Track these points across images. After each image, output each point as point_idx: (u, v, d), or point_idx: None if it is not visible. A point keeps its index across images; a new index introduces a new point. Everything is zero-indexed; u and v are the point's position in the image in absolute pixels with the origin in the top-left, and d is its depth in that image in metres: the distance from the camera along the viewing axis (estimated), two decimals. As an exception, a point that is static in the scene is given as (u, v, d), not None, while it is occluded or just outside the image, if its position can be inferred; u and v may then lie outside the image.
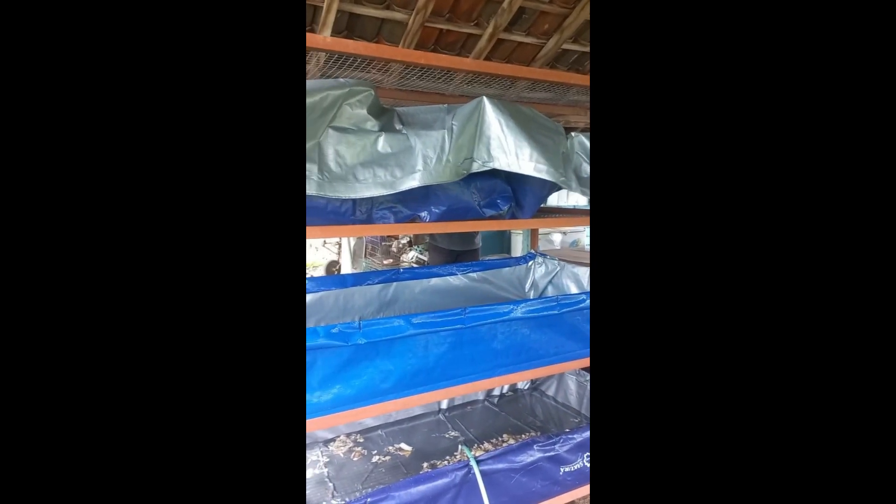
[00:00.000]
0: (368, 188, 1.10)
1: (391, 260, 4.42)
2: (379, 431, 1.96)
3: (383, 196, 1.17)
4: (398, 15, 1.88)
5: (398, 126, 1.17)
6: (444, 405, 2.11)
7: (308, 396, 1.21)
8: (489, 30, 2.02)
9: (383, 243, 4.58)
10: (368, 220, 1.28)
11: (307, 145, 1.03)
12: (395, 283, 2.02)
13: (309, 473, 1.68)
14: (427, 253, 3.63)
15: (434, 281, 2.08)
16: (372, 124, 1.11)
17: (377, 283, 1.98)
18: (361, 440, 1.90)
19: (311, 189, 1.04)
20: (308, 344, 1.17)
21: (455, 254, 2.75)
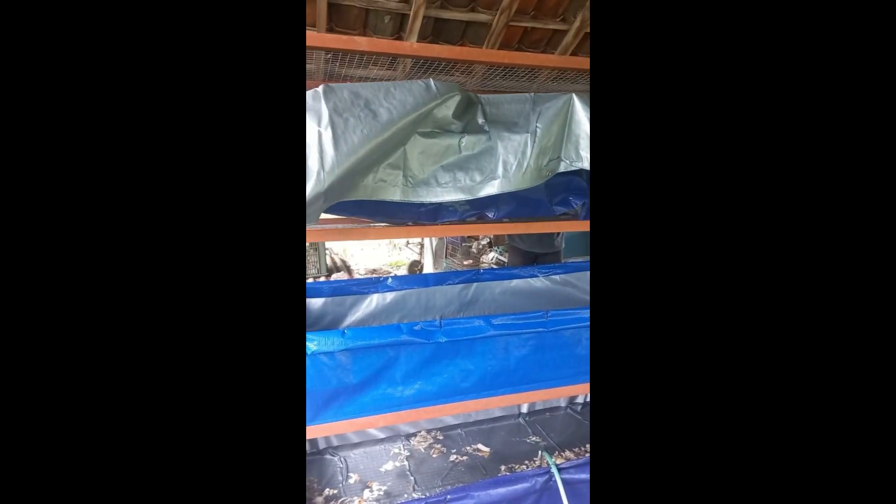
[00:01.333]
0: (448, 192, 1.11)
1: (471, 261, 4.44)
2: (458, 430, 1.98)
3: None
4: (482, 16, 1.89)
5: (481, 121, 1.16)
6: (524, 409, 2.08)
7: (391, 390, 1.25)
8: (576, 24, 1.95)
9: (463, 244, 4.62)
10: (433, 219, 1.30)
11: (394, 154, 1.06)
12: (475, 284, 2.03)
13: (390, 465, 1.74)
14: (507, 254, 3.60)
15: (515, 283, 2.06)
16: (455, 126, 1.12)
17: (458, 284, 2.01)
18: (441, 437, 1.93)
19: (395, 195, 1.06)
20: (391, 339, 1.21)
21: (534, 255, 2.69)
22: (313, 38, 1.15)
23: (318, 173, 0.91)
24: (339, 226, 1.72)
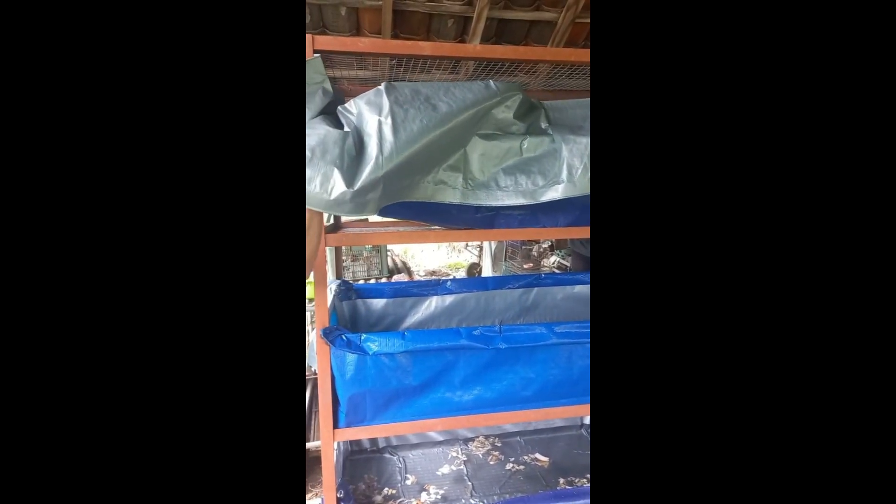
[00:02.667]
0: (509, 196, 1.08)
1: (531, 264, 4.35)
2: (517, 438, 1.94)
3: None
4: (548, 15, 1.84)
5: (544, 125, 1.13)
6: (586, 420, 1.99)
7: (450, 394, 1.25)
8: (648, 16, 1.84)
9: (524, 247, 4.54)
10: (490, 224, 1.27)
11: (454, 155, 1.05)
12: (536, 289, 1.98)
13: (447, 469, 1.74)
14: (570, 258, 3.48)
15: (578, 288, 1.98)
16: (517, 127, 1.10)
17: (518, 288, 1.96)
18: (499, 444, 1.90)
19: (455, 198, 1.05)
20: (450, 343, 1.20)
21: None
22: (378, 44, 1.18)
23: (377, 158, 0.92)
24: (401, 228, 1.75)
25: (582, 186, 1.06)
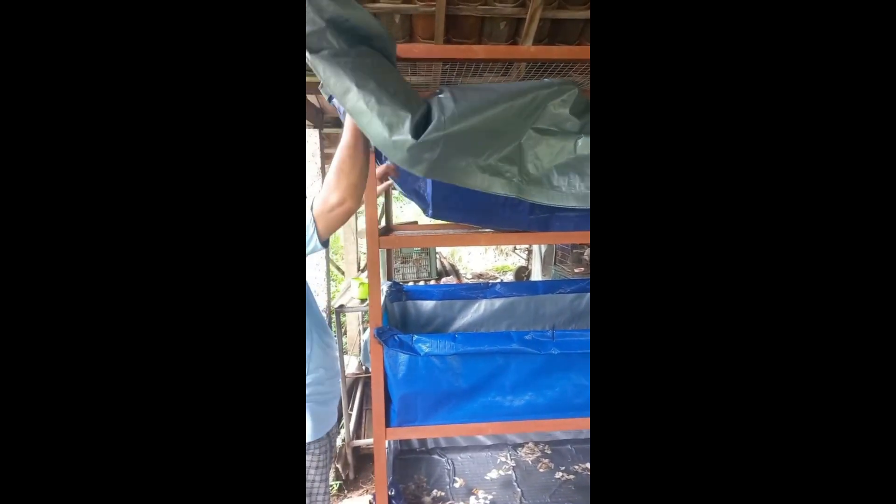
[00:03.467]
0: (563, 198, 1.05)
1: (583, 268, 4.24)
2: (568, 446, 1.89)
3: None
4: (602, 12, 1.79)
5: None
6: (641, 432, 1.91)
7: (500, 399, 1.23)
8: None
9: (574, 251, 4.43)
10: (544, 227, 1.24)
11: (509, 147, 1.04)
12: (588, 294, 1.92)
13: (495, 474, 1.72)
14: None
15: (633, 294, 1.90)
16: (572, 124, 1.07)
17: (570, 293, 1.92)
18: (549, 451, 1.86)
19: (511, 191, 1.03)
20: (502, 347, 1.19)
21: None
22: (433, 50, 1.19)
23: (439, 118, 0.92)
24: (451, 231, 1.76)
25: None
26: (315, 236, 0.99)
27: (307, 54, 0.91)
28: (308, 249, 1.00)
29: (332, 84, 0.91)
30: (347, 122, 1.01)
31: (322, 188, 1.00)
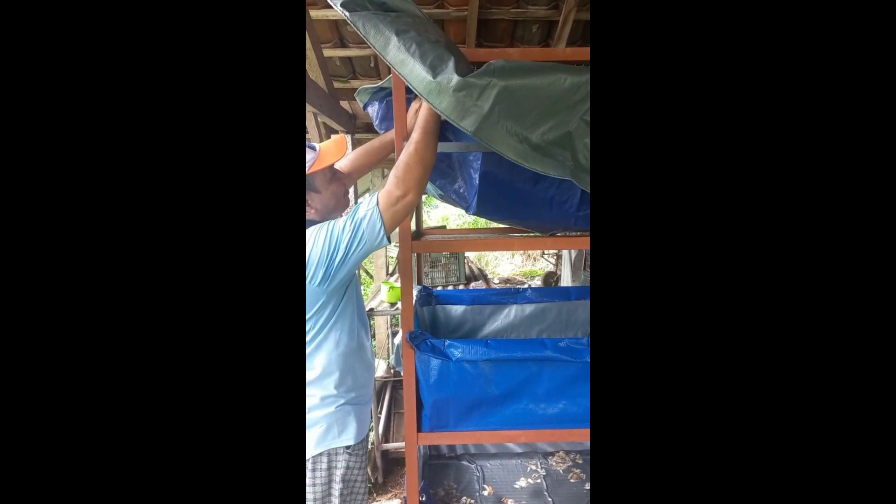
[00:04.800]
0: None
1: (613, 274, 4.14)
2: (600, 457, 1.84)
3: None
4: (638, 12, 1.76)
5: None
6: (677, 445, 1.84)
7: (533, 406, 1.21)
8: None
9: (605, 256, 4.34)
10: (588, 225, 1.21)
11: (559, 131, 0.97)
12: (622, 300, 1.87)
13: (524, 483, 1.69)
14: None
15: (670, 301, 1.84)
16: None
17: (603, 299, 1.87)
18: (580, 462, 1.82)
19: (565, 173, 0.98)
20: (535, 355, 1.17)
21: None
22: (469, 54, 1.19)
23: (488, 67, 0.87)
24: (482, 236, 1.75)
25: None
26: (382, 230, 1.00)
27: (344, 12, 0.87)
28: (375, 244, 1.01)
29: (373, 37, 0.86)
30: (419, 119, 1.00)
31: (385, 184, 1.01)
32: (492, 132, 0.91)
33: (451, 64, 0.83)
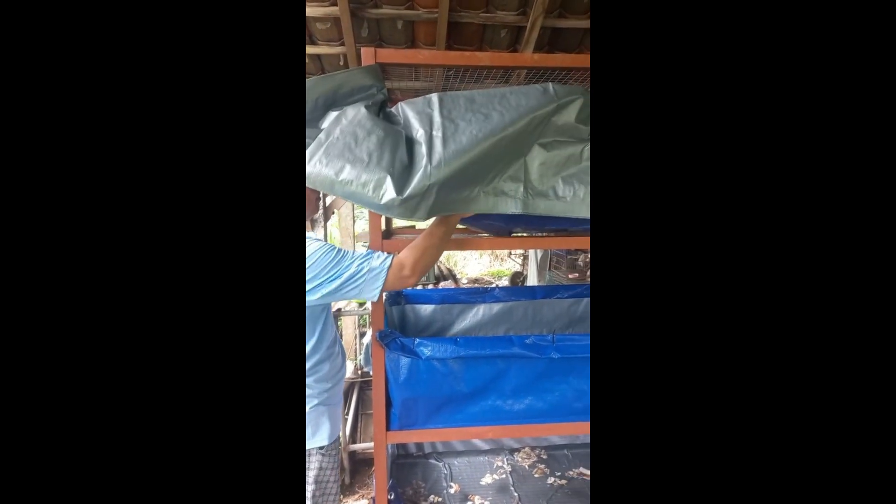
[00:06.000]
0: (567, 206, 1.05)
1: (577, 274, 4.26)
2: (564, 451, 1.89)
3: None
4: (602, 21, 1.82)
5: None
6: (637, 437, 1.92)
7: (500, 403, 1.24)
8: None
9: (569, 256, 4.45)
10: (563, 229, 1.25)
11: (514, 165, 1.04)
12: (585, 300, 1.93)
13: (490, 479, 1.72)
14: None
15: (630, 300, 1.92)
16: (579, 132, 1.07)
17: (567, 298, 1.93)
18: (545, 457, 1.87)
19: (516, 209, 1.04)
20: (502, 351, 1.20)
21: None
22: (437, 56, 1.21)
23: (426, 168, 0.94)
24: (452, 236, 1.77)
25: None
26: (380, 288, 1.04)
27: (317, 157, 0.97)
28: (363, 294, 1.04)
29: (320, 185, 0.97)
30: (445, 221, 1.08)
31: (405, 254, 1.06)
32: (443, 208, 1.01)
33: (388, 185, 0.93)
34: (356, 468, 2.66)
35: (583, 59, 1.32)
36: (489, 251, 6.59)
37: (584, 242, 1.30)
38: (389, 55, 1.11)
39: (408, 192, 0.93)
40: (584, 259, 4.42)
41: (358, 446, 2.64)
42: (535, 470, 1.78)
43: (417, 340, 1.18)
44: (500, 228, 1.30)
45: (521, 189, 1.04)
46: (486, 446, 1.90)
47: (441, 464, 1.81)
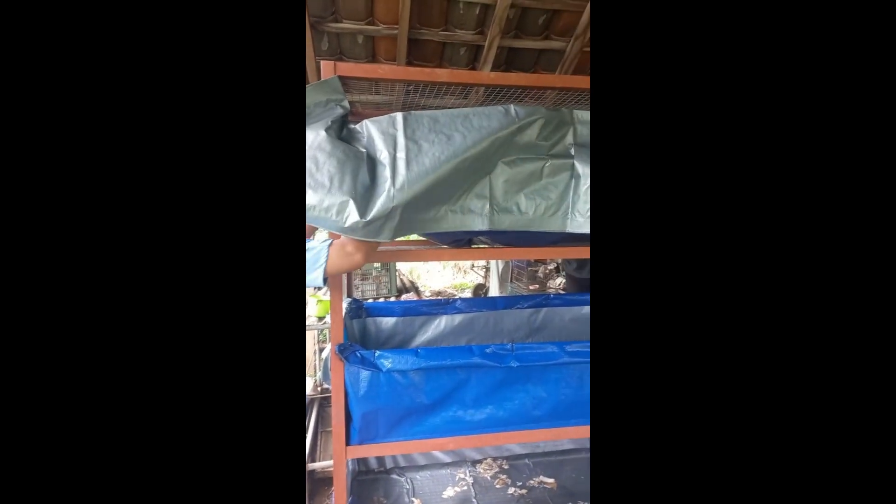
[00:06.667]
0: (529, 221, 1.09)
1: (537, 286, 4.36)
2: (526, 460, 1.92)
3: None
4: (556, 44, 1.91)
5: (569, 142, 1.12)
6: (595, 444, 1.97)
7: (462, 413, 1.25)
8: (653, 46, 1.90)
9: (529, 268, 4.55)
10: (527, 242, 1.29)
11: (479, 183, 1.07)
12: (545, 309, 1.99)
13: (451, 492, 1.72)
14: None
15: (586, 309, 1.99)
16: (542, 148, 1.11)
17: (527, 308, 1.98)
18: (507, 467, 1.88)
19: (483, 225, 1.07)
20: (463, 361, 1.21)
21: (587, 283, 2.59)
22: (397, 71, 1.23)
23: (389, 190, 0.96)
24: (413, 247, 1.78)
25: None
26: (323, 268, 1.00)
27: None
28: (313, 279, 1.00)
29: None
30: None
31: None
32: (408, 229, 1.02)
33: (351, 208, 0.95)
34: (315, 488, 2.57)
35: (538, 79, 1.38)
36: (452, 264, 6.63)
37: (543, 253, 1.34)
38: (349, 69, 1.12)
39: (371, 214, 0.94)
40: (543, 270, 4.53)
41: (317, 465, 2.56)
42: (497, 481, 1.79)
43: (378, 353, 1.18)
44: (460, 240, 1.33)
45: (487, 206, 1.07)
46: (448, 459, 1.90)
47: (403, 479, 1.79)
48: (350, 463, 1.74)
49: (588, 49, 1.92)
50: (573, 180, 1.10)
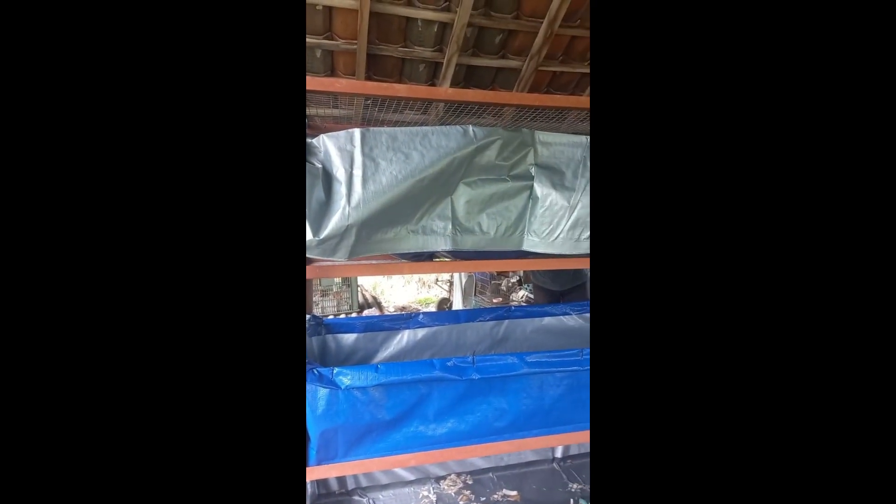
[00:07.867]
0: (490, 241, 1.11)
1: (500, 299, 4.41)
2: (490, 474, 1.90)
3: None
4: (513, 62, 1.97)
5: (530, 162, 1.14)
6: (558, 453, 1.99)
7: (423, 428, 1.23)
8: (604, 67, 2.00)
9: (493, 281, 4.60)
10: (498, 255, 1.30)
11: (441, 204, 1.08)
12: (507, 321, 2.01)
13: (418, 511, 1.68)
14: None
15: (547, 320, 2.03)
16: (502, 169, 1.12)
17: (489, 320, 1.99)
18: (471, 482, 1.86)
19: (446, 245, 1.08)
20: (424, 376, 1.21)
21: (558, 293, 2.64)
22: (356, 86, 1.23)
23: (344, 208, 0.95)
24: (373, 261, 1.76)
25: (553, 245, 1.10)
26: None
27: None
28: None
29: None
30: None
31: None
32: (366, 249, 1.02)
33: (306, 227, 0.96)
34: (274, 515, 2.45)
35: (494, 96, 1.42)
36: (416, 278, 6.61)
37: (506, 265, 1.36)
38: (309, 83, 1.12)
39: (325, 233, 0.93)
40: (506, 284, 4.58)
41: (276, 491, 2.44)
42: (461, 497, 1.77)
43: (336, 370, 1.15)
44: (421, 254, 1.33)
45: (450, 227, 1.08)
46: (411, 476, 1.86)
47: (365, 499, 1.74)
48: (309, 486, 1.67)
49: (543, 68, 1.99)
50: (531, 202, 1.13)
